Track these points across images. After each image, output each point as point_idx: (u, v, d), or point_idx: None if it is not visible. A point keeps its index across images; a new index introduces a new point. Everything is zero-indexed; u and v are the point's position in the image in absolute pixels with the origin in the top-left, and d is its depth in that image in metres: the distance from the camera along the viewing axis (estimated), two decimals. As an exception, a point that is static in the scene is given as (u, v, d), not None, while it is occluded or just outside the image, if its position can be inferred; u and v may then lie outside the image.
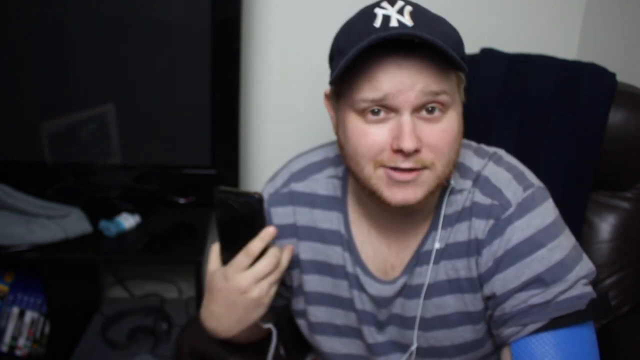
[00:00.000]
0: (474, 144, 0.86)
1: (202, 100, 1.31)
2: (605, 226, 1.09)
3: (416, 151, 0.69)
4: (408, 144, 0.67)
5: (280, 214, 0.89)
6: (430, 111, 0.69)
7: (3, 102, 1.33)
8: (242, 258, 0.76)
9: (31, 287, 1.47)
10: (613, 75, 1.07)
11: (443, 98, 0.69)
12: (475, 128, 1.11)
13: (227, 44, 1.27)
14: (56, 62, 1.29)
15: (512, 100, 1.10)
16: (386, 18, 0.67)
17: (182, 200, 1.40)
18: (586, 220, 1.09)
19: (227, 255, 0.78)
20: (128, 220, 1.40)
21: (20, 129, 1.35)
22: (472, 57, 1.16)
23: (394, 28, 0.66)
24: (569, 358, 0.70)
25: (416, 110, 0.69)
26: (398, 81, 0.67)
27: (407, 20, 0.67)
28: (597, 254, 1.07)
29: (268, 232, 0.77)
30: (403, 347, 0.86)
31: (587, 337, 0.73)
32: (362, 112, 0.70)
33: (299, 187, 0.89)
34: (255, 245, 0.76)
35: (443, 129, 0.70)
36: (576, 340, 0.72)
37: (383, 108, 0.69)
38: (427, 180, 0.71)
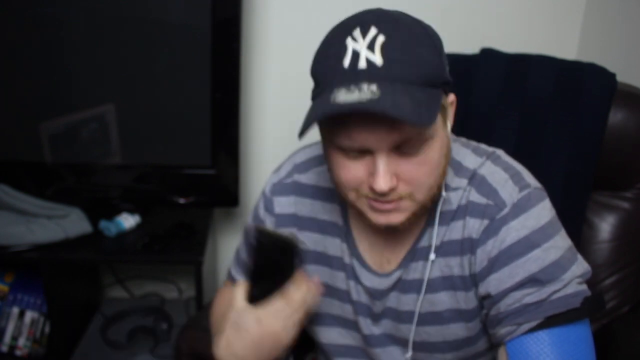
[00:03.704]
0: (473, 143, 0.86)
1: (202, 100, 1.31)
2: (605, 226, 1.09)
3: (392, 189, 0.69)
4: (381, 186, 0.67)
5: (282, 204, 0.92)
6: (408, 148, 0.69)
7: (3, 102, 1.33)
8: (282, 305, 0.76)
9: (31, 287, 1.47)
10: (613, 75, 1.07)
11: (421, 137, 0.68)
12: (475, 128, 1.12)
13: (227, 44, 1.27)
14: (56, 62, 1.29)
15: (512, 100, 1.10)
16: (355, 55, 0.65)
17: (182, 200, 1.40)
18: (586, 220, 1.09)
19: (255, 293, 0.78)
20: (128, 220, 1.40)
21: (20, 129, 1.35)
22: (472, 57, 1.16)
23: (361, 72, 0.64)
24: (564, 356, 0.70)
25: (393, 149, 0.68)
26: (372, 131, 0.66)
27: (377, 57, 0.64)
28: (597, 254, 1.07)
29: (304, 280, 0.78)
30: (398, 341, 0.86)
31: (582, 335, 0.73)
32: (341, 148, 0.70)
33: (302, 178, 0.91)
34: (297, 294, 0.76)
35: (421, 162, 0.69)
36: (571, 339, 0.72)
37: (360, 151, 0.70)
38: (408, 208, 0.72)
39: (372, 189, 0.70)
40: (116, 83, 1.33)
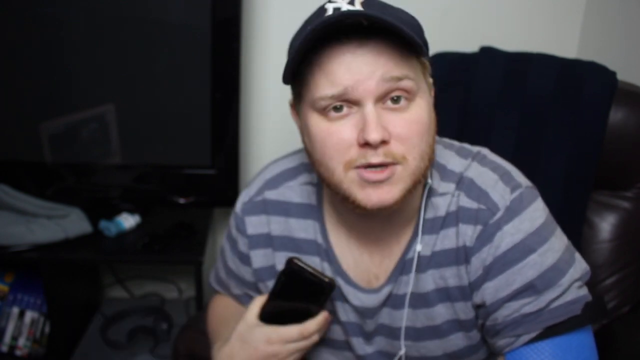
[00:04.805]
0: (456, 143, 0.82)
1: (202, 100, 1.31)
2: (605, 226, 1.08)
3: (384, 142, 0.65)
4: (373, 135, 0.63)
5: (254, 223, 0.86)
6: (395, 100, 0.65)
7: (3, 102, 1.33)
8: (295, 334, 0.77)
9: (31, 287, 1.47)
10: (613, 74, 1.07)
11: (407, 84, 0.65)
12: (475, 127, 1.11)
13: (227, 44, 1.27)
14: (56, 62, 1.29)
15: (512, 99, 1.10)
16: (336, 10, 0.65)
17: (182, 200, 1.40)
18: (586, 220, 1.09)
19: (270, 310, 0.79)
20: (128, 220, 1.40)
21: (20, 129, 1.35)
22: (472, 56, 1.16)
23: (342, 13, 0.64)
24: None
25: (379, 100, 0.65)
26: (356, 71, 0.64)
27: (358, 8, 0.64)
28: (597, 254, 1.07)
29: (325, 319, 0.78)
30: (392, 358, 0.82)
31: (584, 342, 0.70)
32: (323, 111, 0.67)
33: (272, 195, 0.86)
34: (311, 328, 0.77)
35: (411, 119, 0.66)
36: (573, 347, 0.69)
37: (345, 103, 0.66)
38: (401, 178, 0.67)
39: (364, 146, 0.65)
40: (116, 83, 1.33)
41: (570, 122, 1.06)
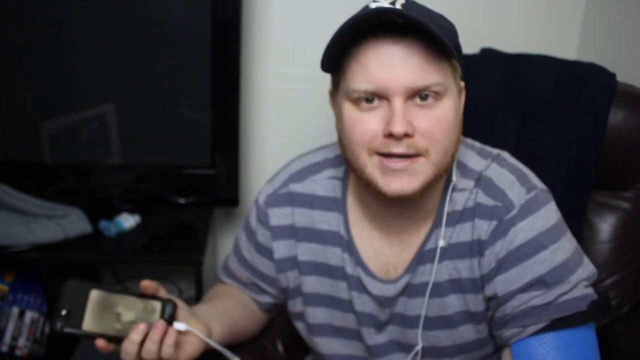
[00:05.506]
0: (477, 144, 0.86)
1: (202, 100, 1.31)
2: (605, 226, 1.08)
3: (408, 136, 0.70)
4: (398, 128, 0.68)
5: (278, 215, 0.90)
6: (424, 98, 0.70)
7: (3, 102, 1.33)
8: None
9: (31, 287, 1.47)
10: (613, 75, 1.07)
11: (435, 88, 0.70)
12: (475, 128, 1.11)
13: (227, 44, 1.27)
14: (56, 62, 1.29)
15: (512, 100, 1.10)
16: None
17: (182, 200, 1.40)
18: (586, 220, 1.09)
19: None
20: (128, 220, 1.40)
21: (20, 129, 1.35)
22: (472, 57, 1.16)
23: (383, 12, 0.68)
24: (569, 359, 0.70)
25: (409, 97, 0.70)
26: (389, 69, 0.69)
27: (398, 9, 0.68)
28: (597, 254, 1.07)
29: None
30: (404, 347, 0.86)
31: (587, 338, 0.73)
32: (356, 101, 0.72)
33: (297, 187, 0.89)
34: None
35: (437, 116, 0.71)
36: (577, 342, 0.72)
37: (376, 96, 0.71)
38: (422, 170, 0.72)
39: (388, 137, 0.70)
40: (116, 83, 1.33)
41: (570, 123, 1.06)
